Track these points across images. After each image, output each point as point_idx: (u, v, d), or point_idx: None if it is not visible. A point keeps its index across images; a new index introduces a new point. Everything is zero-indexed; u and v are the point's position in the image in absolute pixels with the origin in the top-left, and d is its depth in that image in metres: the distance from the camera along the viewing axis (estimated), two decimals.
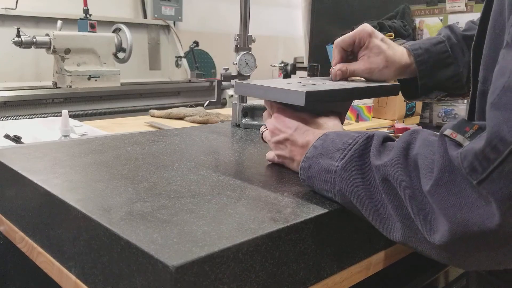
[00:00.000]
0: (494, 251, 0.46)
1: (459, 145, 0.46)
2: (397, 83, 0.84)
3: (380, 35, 0.80)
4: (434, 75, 0.81)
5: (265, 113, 0.76)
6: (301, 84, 0.73)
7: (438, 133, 0.51)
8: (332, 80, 0.81)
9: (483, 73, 0.56)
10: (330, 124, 0.68)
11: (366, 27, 0.79)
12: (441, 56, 0.81)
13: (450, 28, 0.84)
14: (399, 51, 0.80)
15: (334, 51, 0.82)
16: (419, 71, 0.80)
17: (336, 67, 0.80)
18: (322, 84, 0.75)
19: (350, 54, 0.83)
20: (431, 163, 0.47)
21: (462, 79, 0.83)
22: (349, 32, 0.80)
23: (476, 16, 0.86)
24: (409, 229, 0.50)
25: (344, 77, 0.81)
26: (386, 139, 0.57)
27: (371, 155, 0.54)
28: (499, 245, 0.45)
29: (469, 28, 0.83)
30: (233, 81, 1.16)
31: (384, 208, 0.52)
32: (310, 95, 0.65)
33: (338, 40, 0.81)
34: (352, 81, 0.81)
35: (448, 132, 0.47)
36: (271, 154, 0.74)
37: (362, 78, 0.83)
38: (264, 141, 0.76)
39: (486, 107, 0.45)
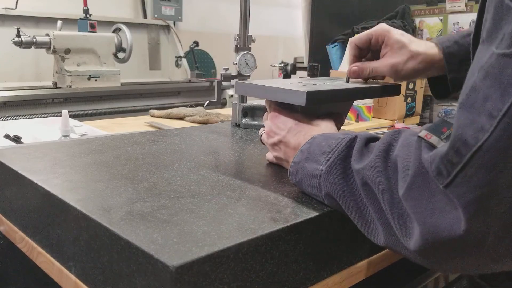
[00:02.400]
0: (469, 257, 0.44)
1: (432, 147, 0.44)
2: (398, 83, 0.82)
3: (399, 31, 0.76)
4: (466, 69, 0.77)
5: (265, 115, 0.75)
6: (301, 84, 0.73)
7: (416, 134, 0.50)
8: (347, 78, 0.79)
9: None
10: (322, 125, 0.67)
11: (383, 25, 0.76)
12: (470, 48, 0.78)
13: None
14: (424, 44, 0.76)
15: (348, 49, 0.79)
16: (448, 65, 0.75)
17: (353, 65, 0.77)
18: (323, 84, 0.75)
19: (366, 53, 0.79)
20: (407, 165, 0.46)
21: None
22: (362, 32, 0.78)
23: None
24: (390, 234, 0.49)
25: (363, 75, 0.77)
26: (371, 139, 0.55)
27: (352, 158, 0.53)
28: (470, 251, 0.43)
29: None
30: (233, 81, 1.16)
31: (367, 212, 0.51)
32: (311, 94, 0.65)
33: (353, 38, 0.78)
34: (349, 83, 0.80)
35: (422, 133, 0.46)
36: (270, 155, 0.74)
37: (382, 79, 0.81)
38: (263, 144, 0.76)
39: None
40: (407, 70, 0.75)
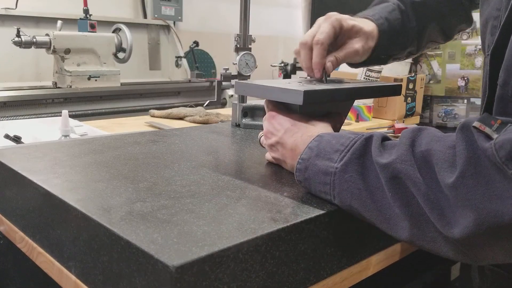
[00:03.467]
0: None
1: (488, 137, 0.46)
2: (398, 83, 0.83)
3: (345, 16, 0.77)
4: (390, 43, 0.81)
5: (265, 116, 0.75)
6: (301, 84, 0.73)
7: (439, 131, 0.51)
8: (325, 76, 0.76)
9: (503, 77, 0.55)
10: (319, 126, 0.67)
11: (334, 15, 0.76)
12: (395, 24, 0.81)
13: None
14: (366, 22, 0.79)
15: (318, 50, 0.73)
16: (380, 40, 0.79)
17: (327, 60, 0.74)
18: (325, 84, 0.75)
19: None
20: (449, 157, 0.47)
21: (407, 46, 0.84)
22: (318, 28, 0.74)
23: (475, 16, 0.86)
24: (417, 227, 0.50)
25: (335, 67, 0.76)
26: (384, 138, 0.56)
27: (374, 155, 0.54)
28: None
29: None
30: (233, 81, 1.16)
31: (388, 207, 0.52)
32: (308, 94, 0.65)
33: (325, 38, 0.73)
34: (348, 82, 0.80)
35: (477, 124, 0.47)
36: (269, 156, 0.74)
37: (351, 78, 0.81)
38: (263, 146, 0.76)
39: (507, 108, 0.45)
40: (364, 51, 0.77)
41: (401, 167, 0.50)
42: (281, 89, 0.68)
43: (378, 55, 0.81)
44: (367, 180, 0.54)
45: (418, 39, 0.86)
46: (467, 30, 1.67)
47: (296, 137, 0.65)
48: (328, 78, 0.79)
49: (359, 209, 0.55)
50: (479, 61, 1.73)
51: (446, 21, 0.88)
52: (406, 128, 0.57)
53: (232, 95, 2.72)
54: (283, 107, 0.71)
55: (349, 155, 0.55)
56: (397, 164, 0.51)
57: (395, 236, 0.53)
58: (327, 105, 0.73)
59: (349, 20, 0.76)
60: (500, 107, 0.57)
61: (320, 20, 0.76)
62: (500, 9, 0.58)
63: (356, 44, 0.76)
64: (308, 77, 0.79)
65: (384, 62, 0.86)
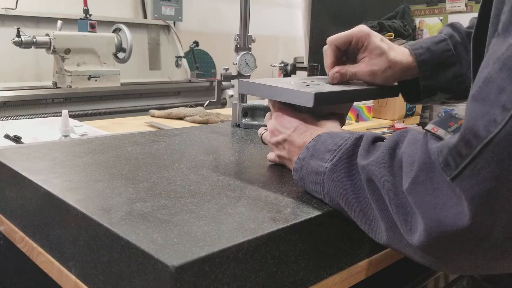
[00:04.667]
0: (472, 254, 0.44)
1: (439, 139, 0.44)
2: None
3: (379, 35, 0.75)
4: (437, 76, 0.77)
5: (267, 115, 0.75)
6: (305, 83, 0.73)
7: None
8: (329, 83, 0.76)
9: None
10: (328, 125, 0.67)
11: (363, 27, 0.74)
12: (444, 56, 0.76)
13: (453, 26, 0.79)
14: (400, 51, 0.76)
15: (327, 50, 0.76)
16: (420, 72, 0.76)
17: (335, 69, 0.75)
18: (326, 84, 0.74)
19: (344, 55, 0.77)
20: (412, 161, 0.46)
21: (467, 79, 0.77)
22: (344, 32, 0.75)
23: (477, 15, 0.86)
24: (392, 231, 0.49)
25: (343, 80, 0.76)
26: (377, 139, 0.56)
27: (358, 155, 0.53)
28: (474, 248, 0.43)
29: (473, 25, 0.80)
30: (233, 81, 1.16)
31: (370, 209, 0.51)
32: (318, 96, 0.64)
33: (333, 38, 0.74)
34: (350, 83, 0.80)
35: (429, 127, 0.46)
36: (272, 155, 0.74)
37: (362, 81, 0.81)
38: (264, 143, 0.76)
39: None
40: (383, 77, 0.75)
41: (374, 169, 0.50)
42: (290, 90, 0.67)
43: (430, 89, 0.77)
44: (353, 181, 0.53)
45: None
46: None
47: (305, 135, 0.65)
48: (328, 77, 0.79)
49: (346, 209, 0.54)
50: None
51: None
52: (406, 128, 0.57)
53: (232, 95, 2.72)
54: (289, 106, 0.71)
55: (339, 155, 0.55)
56: (371, 166, 0.50)
57: (375, 239, 0.52)
58: (330, 106, 0.73)
59: (377, 41, 0.74)
60: None
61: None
62: None
63: (373, 66, 0.74)
64: (308, 77, 0.79)
65: (438, 99, 0.81)
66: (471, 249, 0.43)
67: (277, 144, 0.70)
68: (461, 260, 0.45)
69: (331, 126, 0.67)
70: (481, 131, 0.39)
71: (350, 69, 0.75)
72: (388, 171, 0.48)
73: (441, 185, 0.42)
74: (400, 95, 0.84)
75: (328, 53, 0.76)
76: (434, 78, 0.77)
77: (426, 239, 0.44)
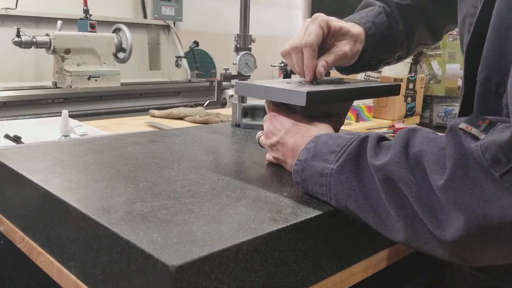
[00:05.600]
0: (506, 245, 0.46)
1: (475, 138, 0.45)
2: (398, 83, 0.83)
3: (331, 17, 0.75)
4: (379, 47, 0.80)
5: (265, 117, 0.75)
6: (301, 84, 0.73)
7: (434, 132, 0.51)
8: (315, 80, 0.74)
9: (484, 73, 0.54)
10: (320, 126, 0.67)
11: (321, 16, 0.74)
12: (383, 28, 0.80)
13: None
14: (351, 24, 0.77)
15: (308, 52, 0.71)
16: (369, 44, 0.78)
17: (319, 65, 0.72)
18: (323, 85, 0.75)
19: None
20: (438, 158, 0.47)
21: (396, 50, 0.83)
22: (307, 30, 0.72)
23: None
24: (412, 229, 0.49)
25: (327, 71, 0.75)
26: (381, 138, 0.56)
27: (369, 156, 0.53)
28: None
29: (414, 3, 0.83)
30: (233, 81, 1.16)
31: (383, 209, 0.52)
32: (311, 95, 0.65)
33: (313, 40, 0.71)
34: (346, 82, 0.80)
35: (463, 125, 0.47)
36: (270, 156, 0.74)
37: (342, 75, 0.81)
38: (262, 146, 0.76)
39: (489, 104, 0.44)
40: (353, 54, 0.76)
41: (394, 169, 0.50)
42: (284, 90, 0.68)
43: (368, 60, 0.80)
44: (363, 181, 0.53)
45: (407, 42, 0.85)
46: None
47: (297, 137, 0.65)
48: (329, 78, 0.79)
49: (355, 210, 0.54)
50: None
51: (434, 22, 0.87)
52: (414, 127, 0.57)
53: (232, 95, 2.72)
54: (284, 108, 0.71)
55: (344, 156, 0.55)
56: (390, 166, 0.50)
57: (390, 238, 0.53)
58: (327, 106, 0.73)
59: (336, 22, 0.75)
60: (481, 104, 0.56)
61: (307, 22, 0.74)
62: (476, 6, 0.57)
63: (345, 47, 0.75)
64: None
65: (374, 67, 0.85)
66: (508, 240, 0.45)
67: (271, 146, 0.70)
68: (491, 251, 0.47)
69: (323, 127, 0.67)
70: None
71: (328, 59, 0.74)
72: (408, 170, 0.49)
73: (483, 180, 0.44)
74: (391, 91, 0.84)
75: (309, 55, 0.72)
76: (376, 51, 0.80)
77: (465, 233, 0.45)
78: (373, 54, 0.80)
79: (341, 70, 0.84)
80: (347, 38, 0.75)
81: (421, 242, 0.50)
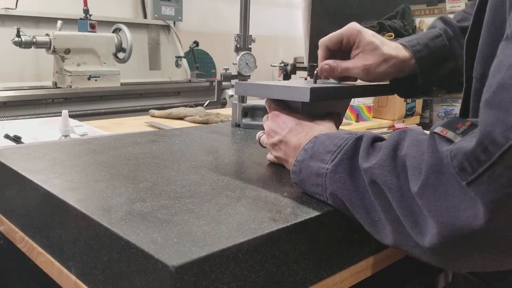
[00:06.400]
0: (486, 253, 0.44)
1: (449, 141, 0.44)
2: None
3: (370, 31, 0.75)
4: (435, 72, 0.76)
5: (265, 117, 0.75)
6: (300, 84, 0.73)
7: (425, 133, 0.50)
8: (316, 78, 0.76)
9: (480, 70, 0.53)
10: (323, 125, 0.67)
11: (353, 25, 0.74)
12: (441, 51, 0.76)
13: (444, 20, 0.79)
14: (394, 46, 0.75)
15: (319, 51, 0.76)
16: (420, 68, 0.75)
17: (325, 61, 0.74)
18: (322, 83, 0.75)
19: (337, 55, 0.77)
20: (419, 163, 0.46)
21: (462, 74, 0.78)
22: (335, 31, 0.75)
23: None
24: (399, 233, 0.49)
25: (335, 74, 0.75)
26: (376, 139, 0.55)
27: (360, 157, 0.53)
28: (489, 248, 0.43)
29: (463, 19, 0.78)
30: (233, 81, 1.16)
31: (375, 211, 0.51)
32: (314, 91, 0.65)
33: (324, 39, 0.74)
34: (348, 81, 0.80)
35: (438, 129, 0.46)
36: (270, 156, 0.74)
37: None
38: (262, 146, 0.76)
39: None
40: (378, 72, 0.74)
41: (378, 172, 0.49)
42: (286, 87, 0.68)
43: (422, 84, 0.77)
44: (356, 182, 0.53)
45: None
46: None
47: (301, 136, 0.65)
48: (328, 80, 0.79)
49: (351, 209, 0.54)
50: None
51: None
52: (406, 128, 0.57)
53: (232, 95, 2.72)
54: (285, 107, 0.71)
55: (340, 155, 0.55)
56: (375, 169, 0.50)
57: (380, 240, 0.52)
58: (327, 105, 0.73)
59: (368, 36, 0.73)
60: (477, 102, 0.54)
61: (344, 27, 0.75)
62: (475, 2, 0.56)
63: (366, 61, 0.73)
64: (307, 78, 0.80)
65: (435, 94, 0.81)
66: (484, 249, 0.43)
67: (273, 145, 0.70)
68: (472, 259, 0.46)
69: (327, 126, 0.67)
70: (498, 138, 0.39)
71: (341, 64, 0.74)
72: (392, 174, 0.48)
73: (452, 188, 0.42)
74: (391, 89, 0.83)
75: (319, 54, 0.76)
76: (432, 74, 0.76)
77: (439, 241, 0.44)
78: (428, 78, 0.77)
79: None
80: (375, 55, 0.73)
81: (409, 246, 0.48)
